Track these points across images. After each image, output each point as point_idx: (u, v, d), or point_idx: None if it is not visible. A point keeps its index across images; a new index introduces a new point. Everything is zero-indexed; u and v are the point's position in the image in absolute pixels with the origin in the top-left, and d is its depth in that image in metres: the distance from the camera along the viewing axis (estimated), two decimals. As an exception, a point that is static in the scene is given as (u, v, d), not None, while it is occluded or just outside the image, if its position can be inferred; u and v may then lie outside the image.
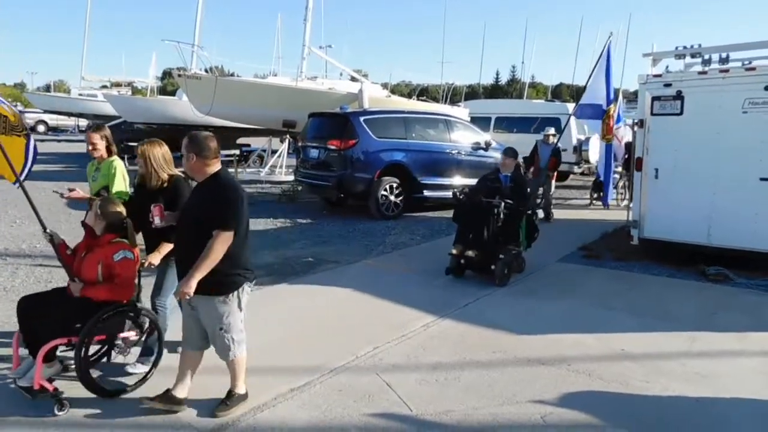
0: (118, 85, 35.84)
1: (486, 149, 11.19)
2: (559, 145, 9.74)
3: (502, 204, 6.06)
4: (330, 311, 5.10)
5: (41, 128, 41.11)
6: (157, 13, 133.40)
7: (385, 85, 26.02)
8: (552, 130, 10.70)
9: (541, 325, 4.83)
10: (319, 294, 5.53)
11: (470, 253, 5.96)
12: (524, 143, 11.10)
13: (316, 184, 10.67)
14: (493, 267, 5.90)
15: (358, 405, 3.40)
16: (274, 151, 15.49)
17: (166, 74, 50.42)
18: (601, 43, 7.87)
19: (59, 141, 33.01)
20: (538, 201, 8.98)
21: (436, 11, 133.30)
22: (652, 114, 7.07)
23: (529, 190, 6.83)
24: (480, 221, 6.07)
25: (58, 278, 5.84)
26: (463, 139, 11.23)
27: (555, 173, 10.71)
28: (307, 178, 10.81)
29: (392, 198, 10.03)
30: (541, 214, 9.24)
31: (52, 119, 40.65)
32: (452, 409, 3.39)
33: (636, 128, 7.58)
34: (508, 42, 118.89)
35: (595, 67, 7.26)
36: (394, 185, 10.03)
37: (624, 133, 12.17)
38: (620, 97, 13.06)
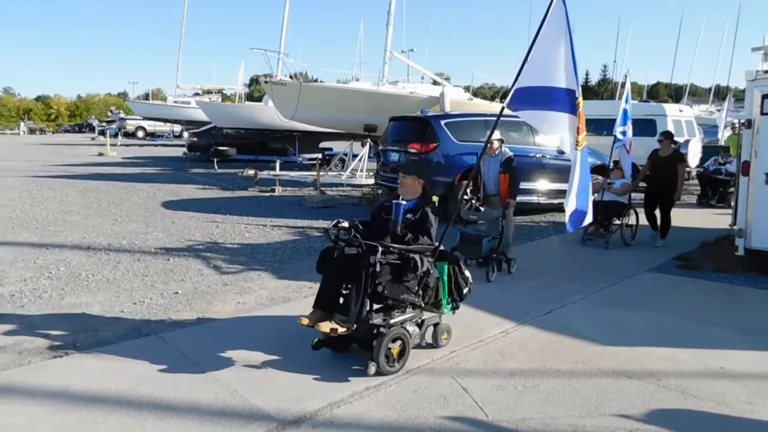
0: (209, 92, 38.04)
1: (572, 153, 10.77)
2: (511, 154, 6.86)
3: (380, 251, 3.72)
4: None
5: (140, 134, 44.45)
6: (247, 16, 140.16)
7: (467, 88, 25.80)
8: (496, 134, 6.73)
9: (629, 336, 4.56)
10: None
11: (325, 326, 3.63)
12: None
13: (396, 188, 10.72)
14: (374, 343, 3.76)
15: (432, 407, 3.36)
16: (355, 155, 15.76)
17: (254, 81, 52.80)
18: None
19: (156, 146, 35.40)
20: (495, 242, 6.46)
21: (520, 12, 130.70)
22: (762, 113, 6.50)
23: (426, 229, 4.23)
24: (351, 275, 3.80)
25: (153, 272, 6.24)
26: (548, 142, 10.87)
27: (513, 199, 6.77)
28: (387, 182, 10.88)
29: (473, 202, 9.89)
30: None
31: (150, 125, 43.82)
32: (529, 417, 3.26)
33: (743, 129, 6.99)
34: (599, 40, 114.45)
35: (541, 26, 4.23)
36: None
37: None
38: (628, 85, 10.02)
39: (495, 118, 4.90)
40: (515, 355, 4.17)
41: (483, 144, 6.80)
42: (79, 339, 4.29)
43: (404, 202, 4.22)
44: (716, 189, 12.82)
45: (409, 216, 4.20)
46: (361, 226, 4.13)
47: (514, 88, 4.44)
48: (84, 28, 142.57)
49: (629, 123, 8.87)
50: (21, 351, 4.04)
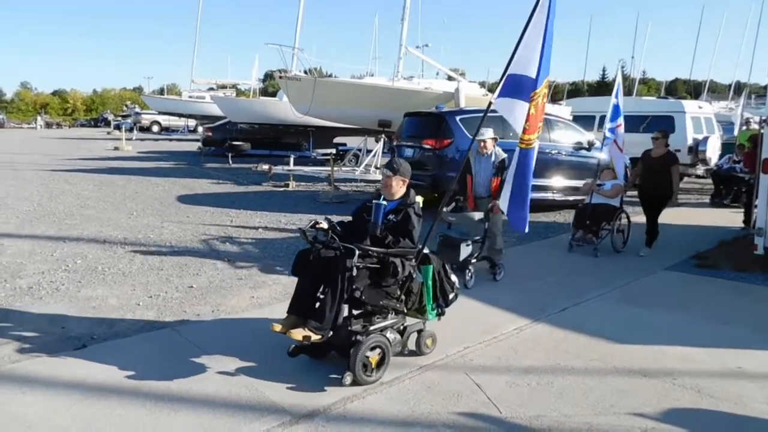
0: (223, 87, 38.13)
1: (589, 149, 10.66)
2: (505, 156, 6.19)
3: (357, 254, 3.50)
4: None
5: (155, 128, 44.71)
6: (261, 11, 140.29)
7: (482, 84, 25.68)
8: (489, 133, 6.38)
9: (645, 335, 4.51)
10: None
11: (297, 333, 3.42)
12: (633, 143, 10.14)
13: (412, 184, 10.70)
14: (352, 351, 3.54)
15: (446, 403, 3.35)
16: (369, 150, 15.74)
17: (268, 76, 52.93)
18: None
19: (170, 140, 35.53)
20: (477, 245, 6.03)
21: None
22: None
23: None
24: (327, 279, 3.57)
25: (168, 266, 6.29)
26: (564, 138, 10.77)
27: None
28: (400, 177, 10.85)
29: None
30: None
31: (165, 120, 44.00)
32: (543, 414, 3.25)
33: (764, 127, 6.86)
34: (616, 35, 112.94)
35: (529, 20, 4.28)
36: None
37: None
38: (618, 79, 8.99)
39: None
40: (529, 352, 4.15)
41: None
42: (95, 331, 4.34)
43: (385, 203, 3.91)
44: (731, 188, 12.22)
45: (390, 217, 3.92)
46: (339, 228, 3.90)
47: (501, 82, 4.39)
48: (99, 23, 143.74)
49: (620, 119, 8.21)
50: (39, 342, 4.10)
